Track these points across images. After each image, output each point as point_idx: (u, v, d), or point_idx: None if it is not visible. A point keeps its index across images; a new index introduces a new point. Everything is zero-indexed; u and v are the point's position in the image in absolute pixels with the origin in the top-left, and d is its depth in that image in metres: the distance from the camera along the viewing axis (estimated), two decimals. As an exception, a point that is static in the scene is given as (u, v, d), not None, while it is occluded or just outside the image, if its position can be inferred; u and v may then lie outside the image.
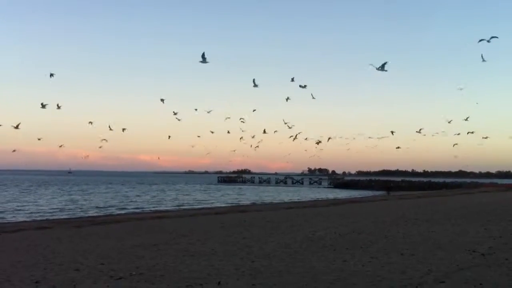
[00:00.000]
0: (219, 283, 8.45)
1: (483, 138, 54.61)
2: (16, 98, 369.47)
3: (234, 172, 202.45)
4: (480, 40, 22.71)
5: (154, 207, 43.81)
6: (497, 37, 22.75)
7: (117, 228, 20.43)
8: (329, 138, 58.76)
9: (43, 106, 32.69)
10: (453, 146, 55.15)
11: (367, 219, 21.63)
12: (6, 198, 52.85)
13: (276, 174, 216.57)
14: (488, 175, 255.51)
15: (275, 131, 55.32)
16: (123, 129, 46.50)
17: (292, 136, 48.28)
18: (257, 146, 59.39)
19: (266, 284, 8.29)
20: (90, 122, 48.14)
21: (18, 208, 40.36)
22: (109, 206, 43.73)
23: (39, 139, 47.42)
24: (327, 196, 68.57)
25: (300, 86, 33.35)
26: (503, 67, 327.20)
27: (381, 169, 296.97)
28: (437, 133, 60.80)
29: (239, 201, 55.81)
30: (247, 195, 71.94)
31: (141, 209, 40.62)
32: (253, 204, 48.59)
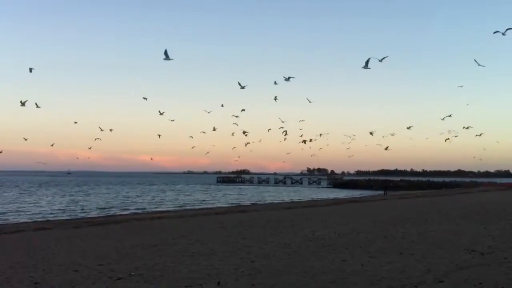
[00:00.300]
0: (218, 283, 8.44)
1: (476, 135, 54.21)
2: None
3: (233, 172, 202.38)
4: (495, 32, 22.36)
5: (155, 207, 43.84)
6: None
7: (116, 229, 20.42)
8: (320, 134, 59.18)
9: (22, 104, 32.61)
10: (445, 141, 55.18)
11: (366, 218, 21.64)
12: (7, 199, 52.81)
13: (275, 174, 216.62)
14: (487, 174, 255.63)
15: (269, 129, 55.81)
16: (110, 130, 46.98)
17: (283, 131, 48.92)
18: (248, 143, 59.75)
19: (266, 284, 8.28)
20: (75, 122, 48.55)
21: (19, 209, 40.35)
22: (111, 207, 43.76)
23: (25, 139, 47.30)
24: (327, 196, 68.58)
25: (285, 78, 31.68)
26: (502, 66, 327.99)
27: (380, 168, 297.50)
28: (441, 133, 60.79)
29: (240, 201, 55.86)
30: (248, 195, 71.98)
31: (142, 210, 40.62)
32: (253, 204, 48.59)
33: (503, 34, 22.07)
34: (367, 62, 24.62)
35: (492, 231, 15.39)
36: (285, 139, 49.40)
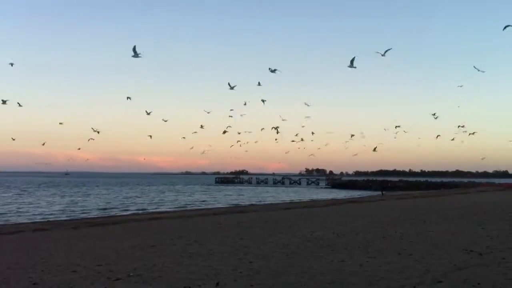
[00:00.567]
0: (217, 284, 8.44)
1: (469, 134, 54.13)
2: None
3: (231, 173, 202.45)
4: (506, 27, 22.06)
5: (155, 208, 43.79)
6: None
7: (115, 229, 20.42)
8: (312, 133, 59.70)
9: (3, 102, 32.66)
10: (436, 137, 55.50)
11: (365, 219, 21.65)
12: (7, 200, 52.73)
13: (273, 174, 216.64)
14: (485, 174, 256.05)
15: (262, 128, 56.03)
16: (98, 132, 47.02)
17: (274, 128, 49.49)
18: (239, 140, 60.44)
19: (264, 285, 8.29)
20: (61, 123, 48.93)
21: (19, 210, 40.31)
22: (111, 208, 43.65)
23: (13, 139, 47.52)
24: (325, 196, 68.58)
25: (270, 70, 30.55)
26: (501, 66, 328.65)
27: (378, 169, 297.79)
28: (439, 135, 61.04)
29: (240, 201, 55.90)
30: (247, 195, 71.98)
31: (142, 211, 40.60)
32: (251, 204, 48.58)
33: None
34: (352, 61, 24.73)
35: (490, 231, 15.41)
36: (276, 139, 50.10)
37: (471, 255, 10.88)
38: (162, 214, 33.42)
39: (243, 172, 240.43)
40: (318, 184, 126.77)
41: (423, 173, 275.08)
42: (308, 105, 47.51)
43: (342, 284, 8.17)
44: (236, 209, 36.42)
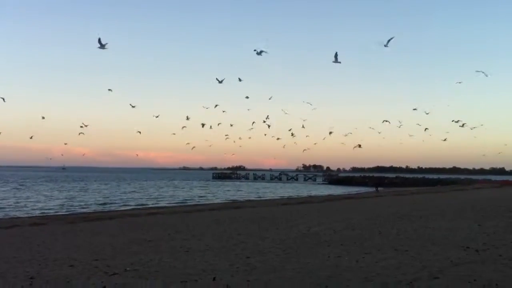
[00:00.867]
0: (214, 279, 8.45)
1: (471, 128, 53.69)
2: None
3: (228, 169, 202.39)
4: None
5: (154, 203, 43.74)
6: None
7: (112, 225, 20.40)
8: (302, 126, 60.00)
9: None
10: (425, 130, 55.42)
11: (362, 215, 21.69)
12: (5, 194, 52.58)
13: (270, 170, 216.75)
14: (482, 171, 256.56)
15: (253, 122, 56.17)
16: (86, 125, 47.68)
17: (265, 122, 50.07)
18: (227, 135, 60.89)
19: (261, 280, 8.30)
20: (43, 117, 49.26)
21: (17, 204, 40.20)
22: (109, 203, 43.45)
23: None
24: (322, 192, 68.67)
25: (257, 52, 28.56)
26: (500, 65, 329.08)
27: (375, 165, 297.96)
28: (427, 128, 60.51)
29: (240, 196, 55.92)
30: (246, 191, 72.03)
31: (141, 206, 40.54)
32: (248, 200, 48.60)
33: None
34: (336, 56, 24.96)
35: (487, 228, 15.44)
36: (265, 134, 51.06)
37: (467, 251, 10.91)
38: (159, 209, 33.42)
39: (240, 168, 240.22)
40: (315, 180, 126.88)
41: (420, 170, 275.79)
42: (310, 104, 47.94)
43: (338, 280, 8.18)
44: (233, 205, 36.45)
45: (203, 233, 15.93)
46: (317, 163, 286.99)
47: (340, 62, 25.61)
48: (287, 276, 8.60)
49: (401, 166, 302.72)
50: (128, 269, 9.56)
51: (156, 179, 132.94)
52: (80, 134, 49.86)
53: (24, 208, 36.48)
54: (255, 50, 27.91)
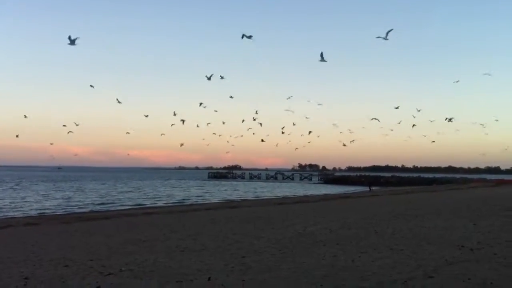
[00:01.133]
0: (209, 278, 8.44)
1: (446, 118, 52.70)
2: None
3: (224, 168, 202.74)
4: None
5: (152, 203, 43.61)
6: None
7: (107, 224, 20.37)
8: (293, 123, 60.14)
9: None
10: (412, 127, 55.27)
11: (357, 214, 21.71)
12: (0, 195, 52.30)
13: (266, 169, 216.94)
14: (477, 170, 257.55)
15: (243, 120, 56.28)
16: (77, 124, 47.96)
17: (255, 119, 50.36)
18: (214, 133, 61.33)
19: (256, 280, 8.30)
20: (25, 116, 49.47)
21: (14, 205, 39.94)
22: (107, 203, 43.24)
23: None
24: (318, 191, 68.72)
25: (246, 36, 27.38)
26: (497, 63, 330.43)
27: (371, 164, 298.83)
28: (415, 124, 59.95)
29: (235, 197, 55.79)
30: (242, 190, 71.99)
31: (137, 206, 40.41)
32: (244, 199, 48.58)
33: None
34: (321, 55, 25.47)
35: (481, 227, 15.48)
36: (253, 133, 51.49)
37: (462, 250, 10.93)
38: (155, 209, 33.40)
39: (236, 167, 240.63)
40: (311, 179, 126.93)
41: (415, 169, 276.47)
42: (320, 104, 48.70)
43: (334, 279, 8.19)
44: (229, 204, 36.43)
45: (199, 232, 15.91)
46: (313, 163, 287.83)
47: (326, 61, 26.16)
48: (282, 275, 8.60)
49: (396, 165, 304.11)
50: (123, 269, 9.54)
51: (151, 178, 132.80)
52: (69, 133, 50.23)
53: (20, 208, 36.33)
54: (244, 35, 27.22)
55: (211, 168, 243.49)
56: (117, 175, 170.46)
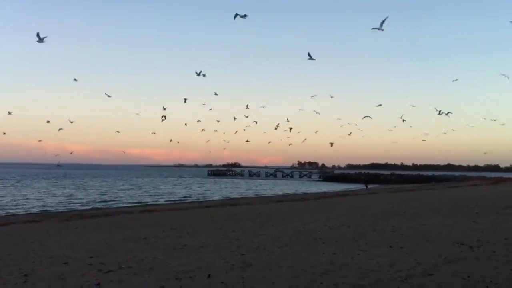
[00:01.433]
0: (208, 276, 8.45)
1: (442, 112, 52.06)
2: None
3: (224, 166, 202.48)
4: None
5: (149, 201, 43.57)
6: None
7: (107, 222, 20.35)
8: (288, 120, 60.01)
9: None
10: (402, 120, 54.85)
11: (356, 212, 21.73)
12: (2, 192, 52.28)
13: (266, 167, 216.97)
14: (476, 168, 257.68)
15: (235, 117, 56.40)
16: (71, 122, 48.29)
17: (247, 116, 50.66)
18: (203, 130, 61.91)
19: (256, 277, 8.31)
20: (9, 113, 49.80)
21: (14, 202, 39.94)
22: (109, 200, 43.21)
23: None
24: (317, 189, 68.73)
25: (240, 15, 26.79)
26: (494, 62, 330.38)
27: (370, 162, 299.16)
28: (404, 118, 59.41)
29: (237, 194, 55.80)
30: (242, 188, 72.00)
31: (137, 203, 40.38)
32: (244, 197, 48.60)
33: None
34: (309, 54, 26.21)
35: (481, 224, 15.50)
36: (244, 129, 51.87)
37: (461, 248, 10.95)
38: (154, 206, 33.38)
39: (235, 165, 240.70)
40: (310, 177, 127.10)
41: (414, 167, 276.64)
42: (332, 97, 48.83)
43: (333, 277, 8.20)
44: (229, 202, 36.43)
45: (198, 230, 15.92)
46: (312, 160, 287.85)
47: (314, 59, 26.73)
48: (282, 273, 8.61)
49: (396, 163, 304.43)
50: (122, 266, 9.55)
51: (151, 176, 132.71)
52: (60, 130, 50.62)
53: (21, 206, 36.30)
54: (237, 14, 26.32)
55: (210, 165, 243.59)
56: (117, 172, 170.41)
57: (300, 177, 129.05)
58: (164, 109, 48.55)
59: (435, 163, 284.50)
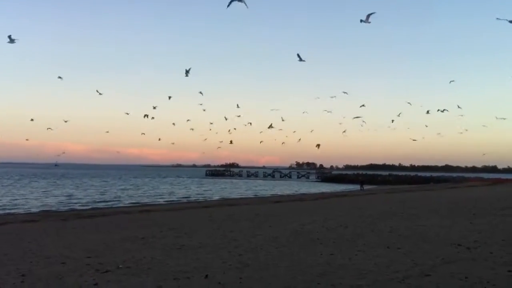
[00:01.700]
0: (206, 276, 8.45)
1: (438, 110, 49.95)
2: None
3: (222, 166, 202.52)
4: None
5: (151, 201, 43.48)
6: None
7: (105, 222, 20.34)
8: (282, 119, 60.02)
9: None
10: (399, 114, 54.67)
11: (354, 213, 21.75)
12: (0, 191, 52.13)
13: (264, 167, 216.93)
14: (474, 169, 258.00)
15: (225, 117, 56.37)
16: (65, 121, 48.57)
17: (239, 116, 50.81)
18: (192, 129, 62.29)
19: (253, 277, 8.31)
20: None
21: (12, 201, 39.82)
22: (108, 201, 43.02)
23: None
24: (315, 190, 68.71)
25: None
26: (492, 61, 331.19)
27: (368, 163, 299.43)
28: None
29: (235, 194, 55.76)
30: (241, 188, 71.93)
31: (135, 203, 40.31)
32: (242, 197, 48.57)
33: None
34: (298, 56, 26.51)
35: (478, 225, 15.53)
36: (233, 129, 51.99)
37: (459, 249, 10.97)
38: (152, 206, 33.37)
39: (233, 165, 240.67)
40: (308, 177, 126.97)
41: (412, 168, 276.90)
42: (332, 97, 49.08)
43: (331, 277, 8.21)
44: (227, 202, 36.42)
45: (196, 230, 15.92)
46: (310, 161, 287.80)
47: (304, 61, 27.13)
48: (279, 273, 8.62)
49: (394, 163, 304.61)
50: (120, 266, 9.55)
51: (149, 176, 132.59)
52: (48, 129, 50.87)
53: (19, 205, 36.21)
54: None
55: (208, 165, 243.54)
56: (116, 172, 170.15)
57: (298, 177, 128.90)
58: (154, 108, 48.56)
59: (433, 164, 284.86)
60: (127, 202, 41.73)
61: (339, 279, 8.09)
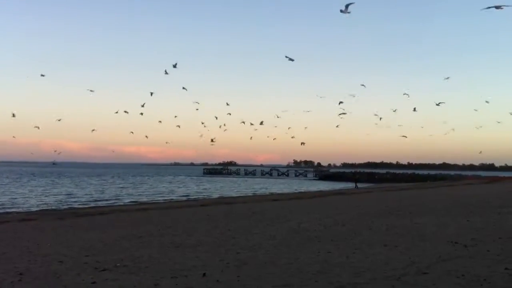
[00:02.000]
0: (204, 274, 8.46)
1: (439, 103, 49.81)
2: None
3: (219, 164, 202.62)
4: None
5: (150, 199, 43.50)
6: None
7: (102, 220, 20.34)
8: (277, 116, 60.03)
9: None
10: (393, 111, 54.62)
11: (352, 211, 21.78)
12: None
13: (261, 166, 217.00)
14: (471, 167, 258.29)
15: (216, 117, 56.31)
16: (59, 120, 48.67)
17: (229, 114, 51.64)
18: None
19: (251, 276, 8.32)
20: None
21: (11, 200, 39.72)
22: (107, 199, 42.98)
23: None
24: (313, 188, 68.77)
25: None
26: (488, 60, 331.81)
27: (366, 161, 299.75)
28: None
29: (233, 193, 55.75)
30: (240, 187, 71.93)
31: (133, 201, 40.30)
32: (240, 196, 48.61)
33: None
34: (287, 57, 28.05)
35: (475, 223, 15.58)
36: (225, 125, 52.46)
37: (456, 247, 11.00)
38: (150, 205, 33.37)
39: (231, 163, 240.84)
40: (306, 175, 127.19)
41: (410, 166, 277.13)
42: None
43: (328, 275, 8.23)
44: (224, 200, 36.45)
45: (194, 228, 15.93)
46: (308, 159, 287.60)
47: (293, 60, 28.77)
48: (277, 271, 8.63)
49: (391, 161, 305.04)
50: (118, 264, 9.55)
51: (147, 174, 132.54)
52: (36, 127, 50.80)
53: (18, 204, 36.14)
54: None
55: (206, 164, 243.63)
56: (114, 171, 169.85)
57: (296, 175, 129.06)
58: (142, 106, 48.45)
59: (431, 162, 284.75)
60: (127, 200, 41.75)
61: (337, 277, 8.10)
